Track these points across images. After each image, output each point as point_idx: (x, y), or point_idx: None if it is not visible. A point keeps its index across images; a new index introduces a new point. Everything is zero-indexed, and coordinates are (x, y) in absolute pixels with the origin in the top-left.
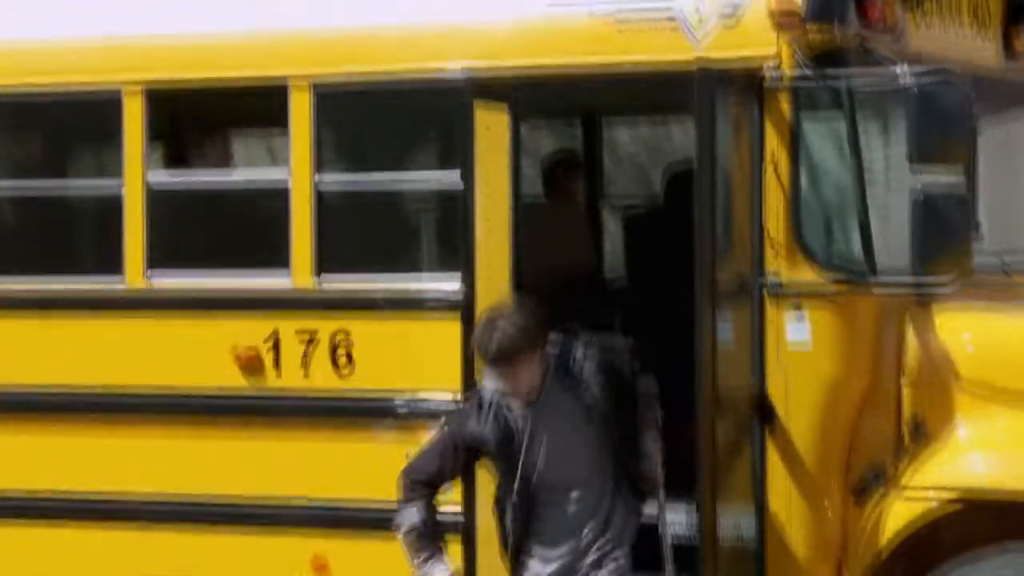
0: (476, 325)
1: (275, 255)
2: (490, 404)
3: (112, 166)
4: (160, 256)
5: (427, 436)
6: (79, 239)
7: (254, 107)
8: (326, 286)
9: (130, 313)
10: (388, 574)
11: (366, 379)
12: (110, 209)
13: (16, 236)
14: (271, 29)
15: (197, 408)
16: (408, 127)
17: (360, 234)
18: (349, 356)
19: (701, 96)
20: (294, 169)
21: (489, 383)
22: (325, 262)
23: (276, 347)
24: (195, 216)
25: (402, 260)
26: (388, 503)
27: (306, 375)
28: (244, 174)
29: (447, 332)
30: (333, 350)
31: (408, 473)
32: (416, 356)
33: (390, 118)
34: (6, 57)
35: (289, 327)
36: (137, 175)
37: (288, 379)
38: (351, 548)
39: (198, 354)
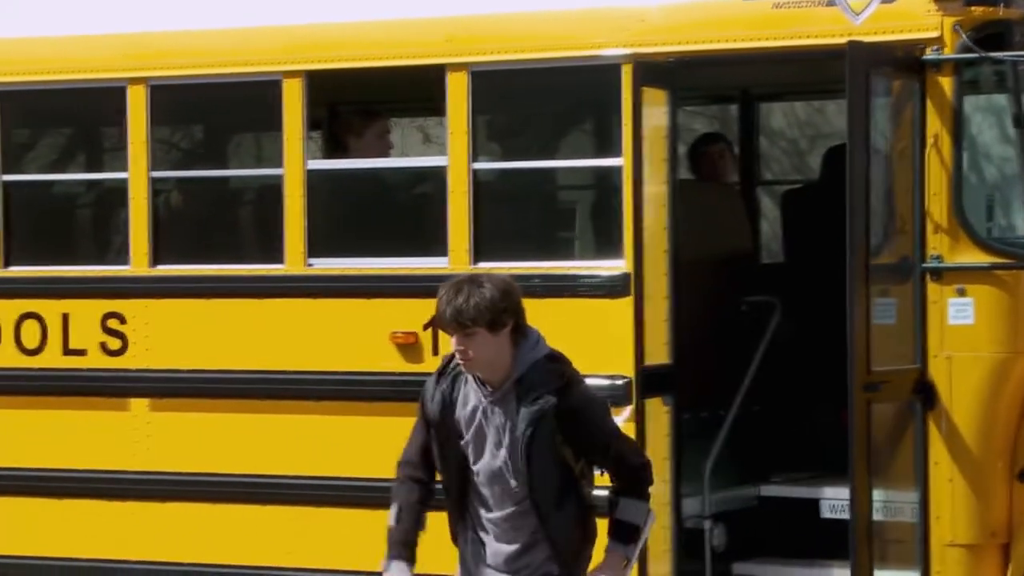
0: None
1: (433, 239)
2: (451, 370)
3: (272, 153)
4: (319, 241)
5: None
6: (241, 224)
7: (411, 93)
8: (484, 269)
9: (290, 297)
10: None
11: None
12: (271, 195)
13: (180, 222)
14: (429, 16)
15: (355, 391)
16: (565, 111)
17: (517, 217)
18: None
19: (853, 75)
20: (451, 154)
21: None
22: (482, 245)
23: (434, 330)
24: (353, 201)
25: (558, 243)
26: None
27: None
28: (402, 159)
29: (605, 314)
30: None
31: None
32: (574, 338)
33: (547, 102)
34: (168, 48)
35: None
36: (297, 161)
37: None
38: None
39: (356, 337)
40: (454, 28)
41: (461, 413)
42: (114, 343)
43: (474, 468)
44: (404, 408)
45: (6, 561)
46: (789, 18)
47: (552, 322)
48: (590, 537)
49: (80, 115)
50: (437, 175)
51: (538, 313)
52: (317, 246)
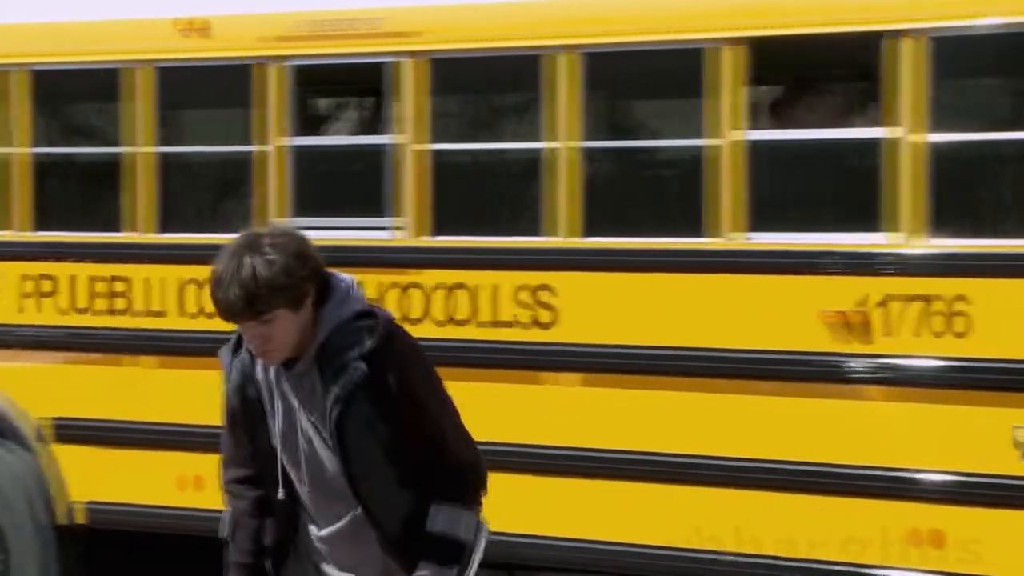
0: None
1: (871, 214)
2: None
3: (697, 123)
4: (748, 214)
5: None
6: (666, 196)
7: (848, 60)
8: (932, 246)
9: (717, 272)
10: (1008, 550)
11: (972, 345)
12: (698, 166)
13: (605, 193)
14: None
15: (781, 371)
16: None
17: (963, 191)
18: (949, 320)
19: None
20: (899, 124)
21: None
22: (935, 220)
23: (868, 309)
24: (783, 174)
25: (1008, 218)
26: (1005, 476)
27: (898, 338)
28: (841, 130)
29: None
30: (932, 313)
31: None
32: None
33: (1011, 67)
34: (589, 15)
35: (881, 288)
36: (731, 132)
37: (879, 343)
38: (968, 522)
39: (784, 315)
40: None
41: (264, 383)
42: (541, 316)
43: (288, 466)
44: (833, 389)
45: None
46: None
47: (1002, 302)
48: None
49: (498, 83)
50: (878, 146)
51: (984, 292)
52: (745, 219)
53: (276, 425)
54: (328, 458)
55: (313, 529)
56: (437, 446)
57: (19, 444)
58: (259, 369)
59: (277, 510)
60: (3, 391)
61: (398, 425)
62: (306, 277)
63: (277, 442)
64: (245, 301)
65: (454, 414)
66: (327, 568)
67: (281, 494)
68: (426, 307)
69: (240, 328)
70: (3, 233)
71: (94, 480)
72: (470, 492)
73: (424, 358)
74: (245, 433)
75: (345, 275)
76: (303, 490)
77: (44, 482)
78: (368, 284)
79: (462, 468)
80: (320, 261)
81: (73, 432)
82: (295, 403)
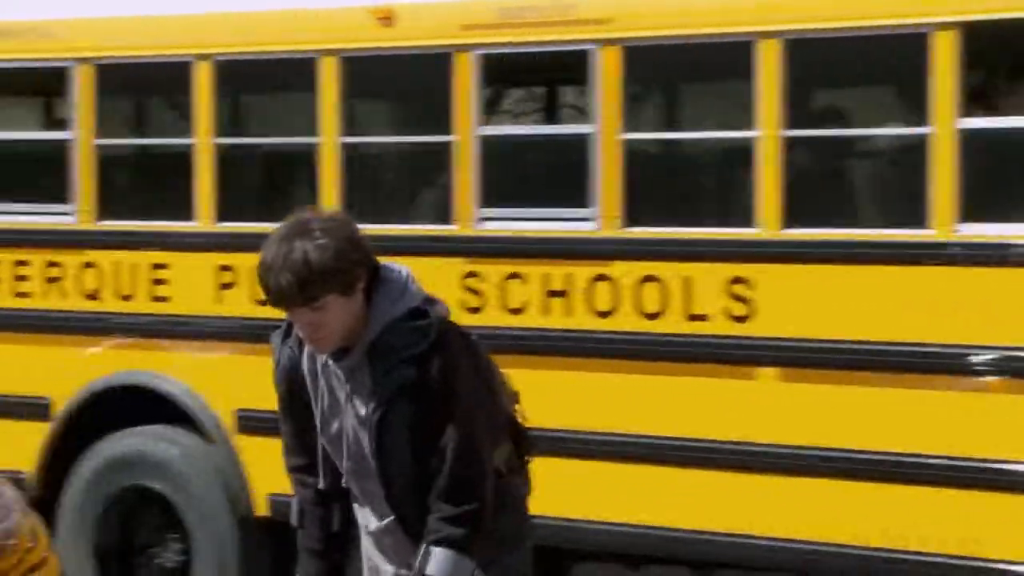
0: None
1: None
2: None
3: (912, 110)
4: (968, 205)
5: None
6: (875, 186)
7: None
8: None
9: (936, 265)
10: None
11: None
12: (910, 156)
13: (811, 183)
14: None
15: (1011, 367)
16: None
17: None
18: None
19: None
20: None
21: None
22: None
23: None
24: (1006, 162)
25: None
26: None
27: None
28: None
29: None
30: None
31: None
32: None
33: None
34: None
35: None
36: (947, 120)
37: None
38: None
39: (1012, 309)
40: None
41: (310, 373)
42: (739, 309)
43: (333, 457)
44: None
45: (612, 528)
46: None
47: None
48: (505, 546)
49: (703, 70)
50: None
51: None
52: (966, 211)
53: (319, 416)
54: (369, 454)
55: (364, 520)
56: (443, 454)
57: (214, 435)
58: (306, 359)
59: (329, 499)
60: (199, 382)
61: (432, 425)
62: (357, 261)
63: (319, 433)
64: (297, 287)
65: (476, 434)
66: (377, 559)
67: (322, 484)
68: (636, 300)
69: (290, 316)
70: (196, 224)
71: None
72: (463, 535)
73: (474, 361)
74: (294, 422)
75: (399, 265)
76: (349, 482)
77: (240, 474)
78: (576, 276)
79: (456, 487)
80: (369, 246)
81: (273, 425)
82: (342, 396)
